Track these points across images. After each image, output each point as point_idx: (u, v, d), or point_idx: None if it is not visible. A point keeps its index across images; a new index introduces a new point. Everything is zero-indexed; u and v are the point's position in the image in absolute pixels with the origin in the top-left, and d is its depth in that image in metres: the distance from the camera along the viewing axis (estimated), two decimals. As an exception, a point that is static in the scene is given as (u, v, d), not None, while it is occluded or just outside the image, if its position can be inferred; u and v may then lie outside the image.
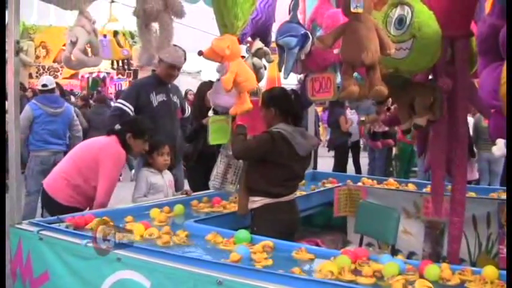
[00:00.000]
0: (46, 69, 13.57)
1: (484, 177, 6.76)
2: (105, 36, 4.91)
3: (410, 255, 3.85)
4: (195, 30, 7.53)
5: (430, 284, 1.86)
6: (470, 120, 6.35)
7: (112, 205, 3.37)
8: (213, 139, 3.24)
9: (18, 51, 2.63)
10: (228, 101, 2.97)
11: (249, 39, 3.39)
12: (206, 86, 4.55)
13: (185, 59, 4.08)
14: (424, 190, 4.14)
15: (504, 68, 1.80)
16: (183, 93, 6.34)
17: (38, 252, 2.51)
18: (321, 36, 2.83)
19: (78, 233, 2.52)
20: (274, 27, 3.47)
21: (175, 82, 4.42)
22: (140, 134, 3.45)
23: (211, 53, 2.69)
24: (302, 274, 1.99)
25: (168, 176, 3.68)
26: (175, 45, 2.91)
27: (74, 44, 2.76)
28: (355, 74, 2.61)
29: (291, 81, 4.63)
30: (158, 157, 3.58)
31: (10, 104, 2.65)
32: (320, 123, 12.04)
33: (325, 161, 9.12)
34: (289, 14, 3.35)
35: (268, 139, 2.97)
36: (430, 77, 2.96)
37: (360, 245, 3.65)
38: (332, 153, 8.65)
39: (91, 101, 9.63)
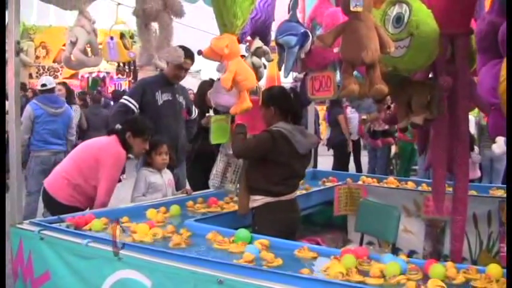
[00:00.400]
0: (46, 70, 13.54)
1: (486, 175, 6.75)
2: (111, 38, 4.89)
3: (410, 253, 3.86)
4: (194, 30, 7.53)
5: (443, 284, 1.84)
6: (471, 118, 6.34)
7: (112, 205, 3.38)
8: (214, 138, 3.24)
9: (18, 51, 2.64)
10: (229, 101, 2.97)
11: (249, 38, 3.39)
12: (206, 84, 4.56)
13: (193, 60, 4.06)
14: (419, 188, 4.15)
15: (503, 65, 1.80)
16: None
17: (38, 252, 2.51)
18: (320, 35, 2.83)
19: (79, 232, 2.53)
20: (274, 26, 3.47)
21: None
22: (139, 133, 3.46)
23: (210, 53, 2.70)
24: (307, 274, 1.97)
25: (167, 175, 3.69)
26: (180, 46, 2.90)
27: (73, 44, 2.76)
28: (356, 72, 2.62)
29: (290, 80, 4.63)
30: (156, 156, 3.58)
31: (11, 104, 2.66)
32: (322, 122, 12.05)
33: (326, 160, 9.11)
34: (289, 13, 3.35)
35: (268, 138, 2.97)
36: (430, 75, 2.97)
37: (361, 243, 3.66)
38: (332, 151, 8.64)
39: (88, 100, 9.60)
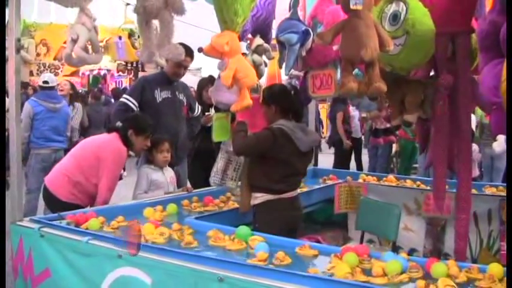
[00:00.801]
0: (47, 67, 13.52)
1: (487, 174, 6.74)
2: (120, 38, 4.88)
3: (411, 251, 3.86)
4: (195, 28, 7.52)
5: (453, 283, 1.82)
6: (472, 117, 6.32)
7: (113, 202, 3.38)
8: (216, 136, 3.24)
9: (19, 48, 2.63)
10: (230, 98, 2.97)
11: (250, 36, 3.39)
12: (205, 81, 4.57)
13: (192, 58, 4.06)
14: (417, 183, 4.15)
15: (505, 65, 1.80)
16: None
17: (39, 249, 2.51)
18: (320, 32, 2.83)
19: (79, 230, 2.53)
20: (275, 24, 3.47)
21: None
22: (142, 131, 3.46)
23: (210, 50, 2.70)
24: (312, 273, 1.96)
25: (169, 172, 3.69)
26: (181, 44, 2.90)
27: (74, 41, 2.75)
28: (356, 70, 2.62)
29: (285, 77, 4.61)
30: (157, 154, 3.59)
31: (11, 102, 2.66)
32: (327, 120, 12.04)
33: (327, 158, 9.11)
34: (290, 10, 3.35)
35: (269, 135, 2.97)
36: (431, 73, 2.96)
37: (361, 241, 3.66)
38: (333, 149, 8.63)
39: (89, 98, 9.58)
